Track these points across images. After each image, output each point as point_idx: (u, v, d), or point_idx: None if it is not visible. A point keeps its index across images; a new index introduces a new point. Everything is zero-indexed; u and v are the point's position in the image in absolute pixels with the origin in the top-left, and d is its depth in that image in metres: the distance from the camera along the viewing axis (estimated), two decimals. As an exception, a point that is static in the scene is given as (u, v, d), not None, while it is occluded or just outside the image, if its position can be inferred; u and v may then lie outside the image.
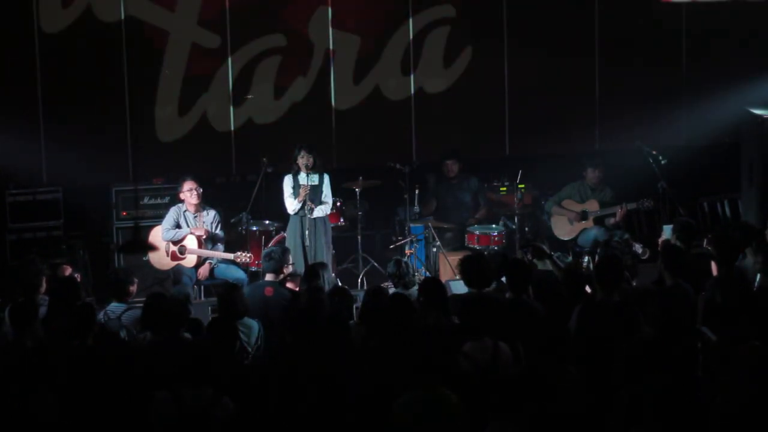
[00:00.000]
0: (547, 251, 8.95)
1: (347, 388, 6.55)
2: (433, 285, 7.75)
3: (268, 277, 8.98)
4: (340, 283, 9.90)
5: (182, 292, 8.89)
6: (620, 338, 7.00)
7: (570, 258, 10.69)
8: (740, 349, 6.37)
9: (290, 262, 9.23)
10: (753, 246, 8.63)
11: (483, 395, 6.36)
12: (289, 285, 9.20)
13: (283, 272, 9.00)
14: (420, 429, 5.99)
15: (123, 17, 11.42)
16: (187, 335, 7.51)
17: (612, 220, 11.41)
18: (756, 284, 8.15)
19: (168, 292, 9.35)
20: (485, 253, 10.50)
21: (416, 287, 8.61)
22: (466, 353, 6.77)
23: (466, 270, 8.19)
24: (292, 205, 10.62)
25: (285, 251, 9.18)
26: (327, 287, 8.58)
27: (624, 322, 7.22)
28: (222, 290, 8.33)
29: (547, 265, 8.87)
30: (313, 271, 8.85)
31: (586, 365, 6.67)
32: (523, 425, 5.70)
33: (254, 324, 7.95)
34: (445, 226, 11.64)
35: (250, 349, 7.77)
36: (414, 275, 9.13)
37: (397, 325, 7.08)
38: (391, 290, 8.65)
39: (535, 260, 8.96)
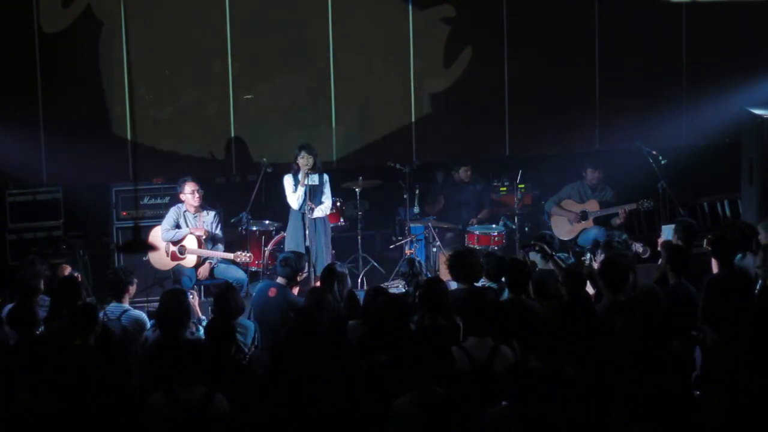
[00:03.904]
0: (549, 251, 8.95)
1: (346, 387, 6.56)
2: (435, 286, 7.75)
3: (280, 280, 8.95)
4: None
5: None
6: (621, 338, 7.02)
7: (572, 259, 10.69)
8: (740, 348, 6.37)
9: (305, 269, 9.14)
10: (753, 246, 8.64)
11: (476, 392, 6.39)
12: (294, 290, 9.13)
13: (296, 280, 8.94)
14: (416, 429, 6.00)
15: (123, 17, 11.42)
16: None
17: (617, 221, 11.41)
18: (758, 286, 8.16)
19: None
20: (485, 250, 10.50)
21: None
22: (464, 348, 6.78)
23: (453, 265, 8.23)
24: (294, 199, 10.58)
25: (300, 257, 9.07)
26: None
27: (626, 321, 7.23)
28: (217, 290, 8.30)
29: (548, 265, 8.86)
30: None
31: (584, 365, 6.68)
32: (516, 424, 5.71)
33: (250, 324, 7.94)
34: (446, 226, 11.63)
35: (246, 350, 7.75)
36: (427, 274, 9.09)
37: (393, 325, 7.07)
38: (393, 290, 8.62)
39: (536, 258, 8.94)
